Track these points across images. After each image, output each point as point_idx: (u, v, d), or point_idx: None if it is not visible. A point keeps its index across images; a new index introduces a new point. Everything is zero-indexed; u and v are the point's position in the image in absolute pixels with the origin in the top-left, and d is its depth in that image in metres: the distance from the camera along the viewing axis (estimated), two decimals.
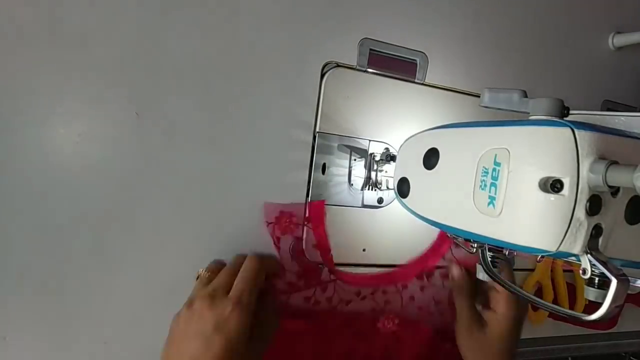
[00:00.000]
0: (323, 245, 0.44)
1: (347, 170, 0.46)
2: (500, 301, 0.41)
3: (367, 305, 0.47)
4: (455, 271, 0.45)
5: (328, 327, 0.45)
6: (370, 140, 0.46)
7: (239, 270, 0.37)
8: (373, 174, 0.46)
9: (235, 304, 0.33)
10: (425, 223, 0.37)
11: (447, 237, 0.45)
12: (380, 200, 0.47)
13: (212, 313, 0.32)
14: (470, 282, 0.45)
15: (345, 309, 0.47)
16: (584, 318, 0.28)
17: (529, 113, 0.30)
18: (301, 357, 0.44)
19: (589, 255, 0.26)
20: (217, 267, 0.39)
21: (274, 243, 0.42)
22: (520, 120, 0.29)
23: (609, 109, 0.60)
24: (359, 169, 0.46)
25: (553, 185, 0.25)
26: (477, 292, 0.46)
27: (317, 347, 0.45)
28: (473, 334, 0.42)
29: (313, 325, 0.44)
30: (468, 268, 0.45)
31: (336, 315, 0.46)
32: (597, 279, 0.27)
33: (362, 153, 0.46)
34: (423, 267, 0.49)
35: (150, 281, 0.40)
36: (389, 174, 0.46)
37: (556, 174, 0.26)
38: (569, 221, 0.25)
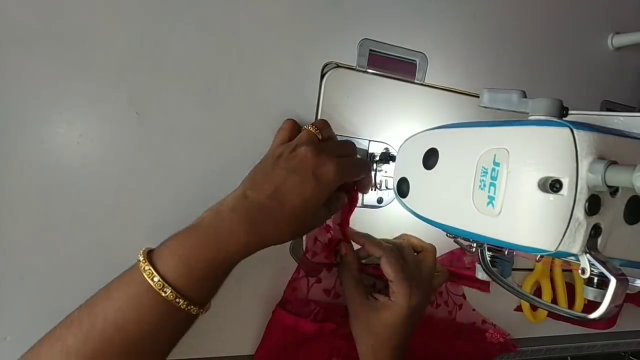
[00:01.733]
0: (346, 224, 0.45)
1: None
2: (395, 290, 0.40)
3: None
4: (343, 248, 0.44)
5: (347, 325, 0.45)
6: (370, 140, 0.46)
7: (348, 147, 0.40)
8: (372, 174, 0.46)
9: (336, 166, 0.35)
10: (424, 223, 0.37)
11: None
12: (380, 200, 0.48)
13: (316, 161, 0.35)
14: (357, 260, 0.44)
15: None
16: (583, 317, 0.28)
17: (528, 113, 0.30)
18: (318, 351, 0.45)
19: (588, 255, 0.26)
20: (324, 124, 0.40)
21: None
22: (520, 120, 0.29)
23: (608, 109, 0.60)
24: None
25: (552, 185, 0.26)
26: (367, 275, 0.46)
27: (334, 342, 0.45)
28: (363, 314, 0.41)
29: (330, 324, 0.45)
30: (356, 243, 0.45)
31: None
32: (596, 278, 0.27)
33: (362, 153, 0.46)
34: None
35: None
36: (388, 174, 0.46)
37: (555, 174, 0.26)
38: (568, 221, 0.25)
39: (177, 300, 0.31)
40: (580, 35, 0.57)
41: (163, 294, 0.31)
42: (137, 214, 0.39)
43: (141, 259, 0.32)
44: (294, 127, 0.40)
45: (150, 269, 0.31)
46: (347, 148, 0.40)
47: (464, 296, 0.52)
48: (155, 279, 0.31)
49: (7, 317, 0.37)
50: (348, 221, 0.45)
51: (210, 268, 0.33)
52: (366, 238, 0.44)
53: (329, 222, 0.45)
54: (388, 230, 0.48)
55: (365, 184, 0.43)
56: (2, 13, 0.34)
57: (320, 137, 0.38)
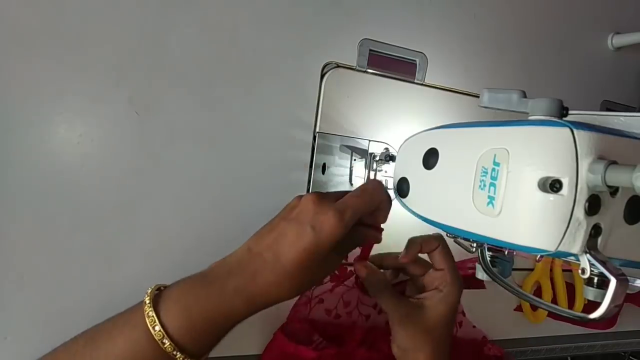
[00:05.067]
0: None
1: (346, 170, 0.46)
2: (447, 280, 0.39)
3: (383, 318, 0.48)
4: (361, 270, 0.42)
5: (348, 345, 0.45)
6: (370, 140, 0.46)
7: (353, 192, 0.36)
8: (372, 174, 0.46)
9: (336, 212, 0.32)
10: (424, 223, 0.37)
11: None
12: None
13: (314, 209, 0.33)
14: (381, 274, 0.42)
15: (366, 324, 0.47)
16: (583, 317, 0.28)
17: (528, 113, 0.30)
18: None
19: (588, 255, 0.26)
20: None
21: None
22: (520, 120, 0.29)
23: (608, 109, 0.60)
24: (359, 169, 0.46)
25: (552, 185, 0.26)
26: (406, 280, 0.45)
27: None
28: (410, 321, 0.39)
29: (330, 349, 0.44)
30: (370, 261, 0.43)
31: (355, 331, 0.46)
32: (596, 278, 0.27)
33: (362, 153, 0.46)
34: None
35: (150, 281, 0.40)
36: (388, 174, 0.46)
37: (555, 174, 0.26)
38: (568, 221, 0.25)
39: (175, 352, 0.31)
40: (580, 35, 0.57)
41: (162, 345, 0.30)
42: (137, 214, 0.39)
43: (147, 301, 0.31)
44: None
45: (153, 317, 0.31)
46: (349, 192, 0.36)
47: (463, 313, 0.52)
48: (157, 329, 0.30)
49: (7, 317, 0.37)
50: (367, 256, 0.43)
51: (212, 322, 0.32)
52: (395, 256, 0.42)
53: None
54: (387, 230, 0.48)
55: (380, 219, 0.38)
56: (2, 13, 0.34)
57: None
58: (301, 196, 0.35)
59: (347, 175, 0.47)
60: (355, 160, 0.46)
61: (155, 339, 0.30)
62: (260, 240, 0.34)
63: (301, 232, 0.32)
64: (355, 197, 0.34)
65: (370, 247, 0.42)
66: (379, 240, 0.39)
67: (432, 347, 0.38)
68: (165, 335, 0.30)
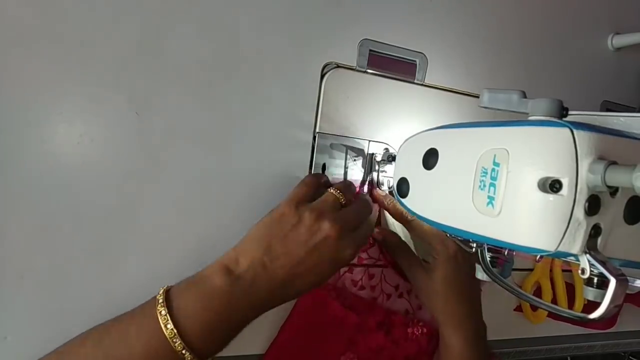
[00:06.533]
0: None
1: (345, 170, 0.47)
2: (434, 247, 0.43)
3: (403, 305, 0.50)
4: (380, 234, 0.46)
5: (367, 321, 0.47)
6: (370, 141, 0.46)
7: (366, 210, 0.40)
8: (374, 174, 0.46)
9: (356, 248, 0.37)
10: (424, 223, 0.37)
11: None
12: None
13: (336, 245, 0.36)
14: (395, 235, 0.47)
15: (385, 304, 0.49)
16: (583, 318, 0.28)
17: (528, 113, 0.30)
18: (336, 341, 0.46)
19: (587, 255, 0.26)
20: (347, 188, 0.40)
21: None
22: (520, 120, 0.29)
23: (608, 110, 0.60)
24: (357, 169, 0.46)
25: (552, 186, 0.26)
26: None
27: (352, 335, 0.46)
28: (424, 282, 0.43)
29: (355, 315, 0.46)
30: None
31: (375, 311, 0.48)
32: (596, 278, 0.27)
33: (358, 152, 0.46)
34: None
35: (150, 281, 0.40)
36: (389, 174, 0.46)
37: (555, 174, 0.26)
38: (567, 221, 0.25)
39: (184, 352, 0.32)
40: (580, 35, 0.57)
41: (172, 344, 0.31)
42: (137, 214, 0.39)
43: (160, 300, 0.33)
44: (317, 184, 0.40)
45: (166, 316, 0.32)
46: (365, 211, 0.40)
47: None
48: (169, 327, 0.31)
49: (7, 317, 0.37)
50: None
51: (225, 328, 0.34)
52: (390, 204, 0.45)
53: None
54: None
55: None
56: (2, 13, 0.34)
57: (343, 201, 0.39)
58: (317, 213, 0.36)
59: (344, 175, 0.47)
60: (354, 160, 0.46)
61: (166, 337, 0.31)
62: (276, 258, 0.35)
63: (323, 263, 0.36)
64: (367, 228, 0.40)
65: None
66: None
67: (440, 306, 0.43)
68: (177, 335, 0.31)
